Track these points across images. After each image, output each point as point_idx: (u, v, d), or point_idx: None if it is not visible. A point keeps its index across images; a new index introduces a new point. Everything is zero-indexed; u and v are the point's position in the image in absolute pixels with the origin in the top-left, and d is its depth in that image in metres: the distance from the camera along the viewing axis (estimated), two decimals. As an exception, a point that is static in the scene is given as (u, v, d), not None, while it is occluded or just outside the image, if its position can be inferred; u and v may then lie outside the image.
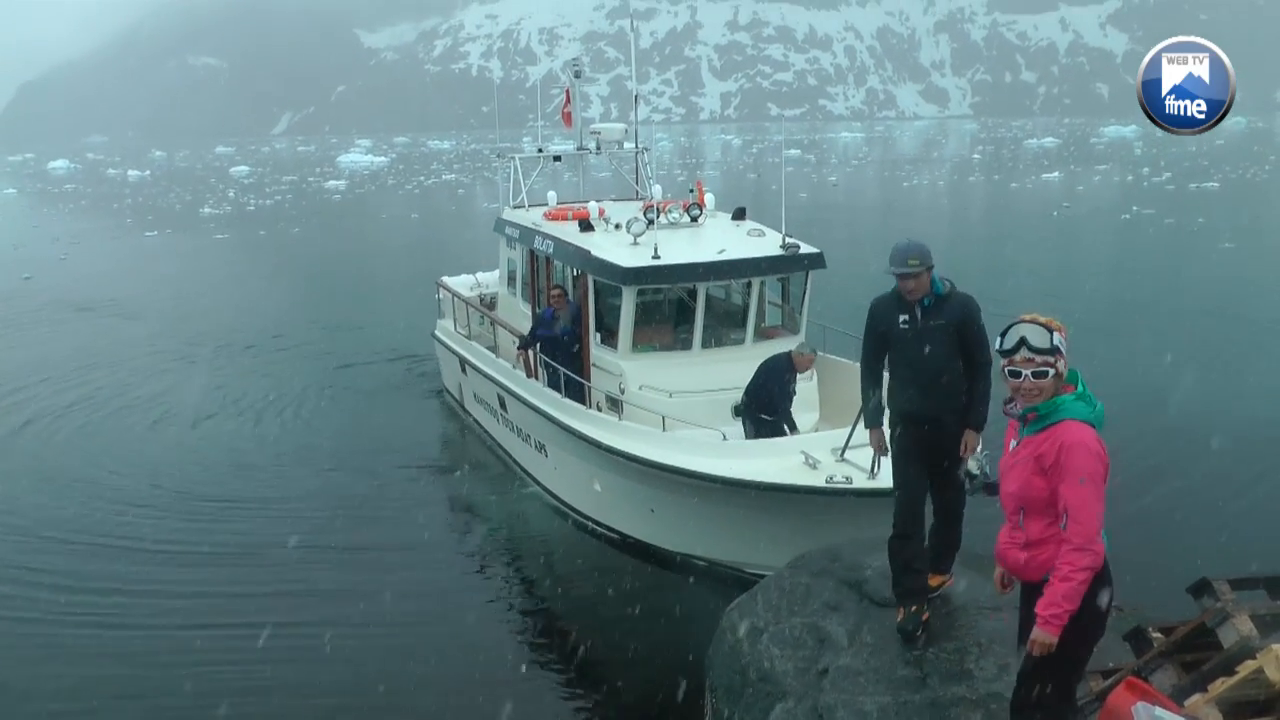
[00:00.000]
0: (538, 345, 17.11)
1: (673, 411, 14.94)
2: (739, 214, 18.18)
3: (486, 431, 20.28)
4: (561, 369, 16.05)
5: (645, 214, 16.58)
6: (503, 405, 18.57)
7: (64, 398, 24.23)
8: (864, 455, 11.93)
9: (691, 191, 18.76)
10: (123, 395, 24.46)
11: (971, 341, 8.03)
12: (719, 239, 16.57)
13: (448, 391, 23.28)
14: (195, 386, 24.72)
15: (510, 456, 18.80)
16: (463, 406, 21.92)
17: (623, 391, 15.59)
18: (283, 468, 19.53)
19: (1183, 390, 21.56)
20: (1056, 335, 5.82)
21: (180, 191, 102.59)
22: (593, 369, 16.53)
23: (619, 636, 12.64)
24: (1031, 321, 5.87)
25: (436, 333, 23.20)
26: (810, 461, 12.65)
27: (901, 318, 8.15)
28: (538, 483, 17.47)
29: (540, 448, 17.03)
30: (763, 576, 13.18)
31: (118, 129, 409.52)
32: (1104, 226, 54.28)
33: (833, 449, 12.78)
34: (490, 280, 23.13)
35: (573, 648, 12.65)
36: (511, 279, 21.00)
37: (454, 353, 21.51)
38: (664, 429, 14.49)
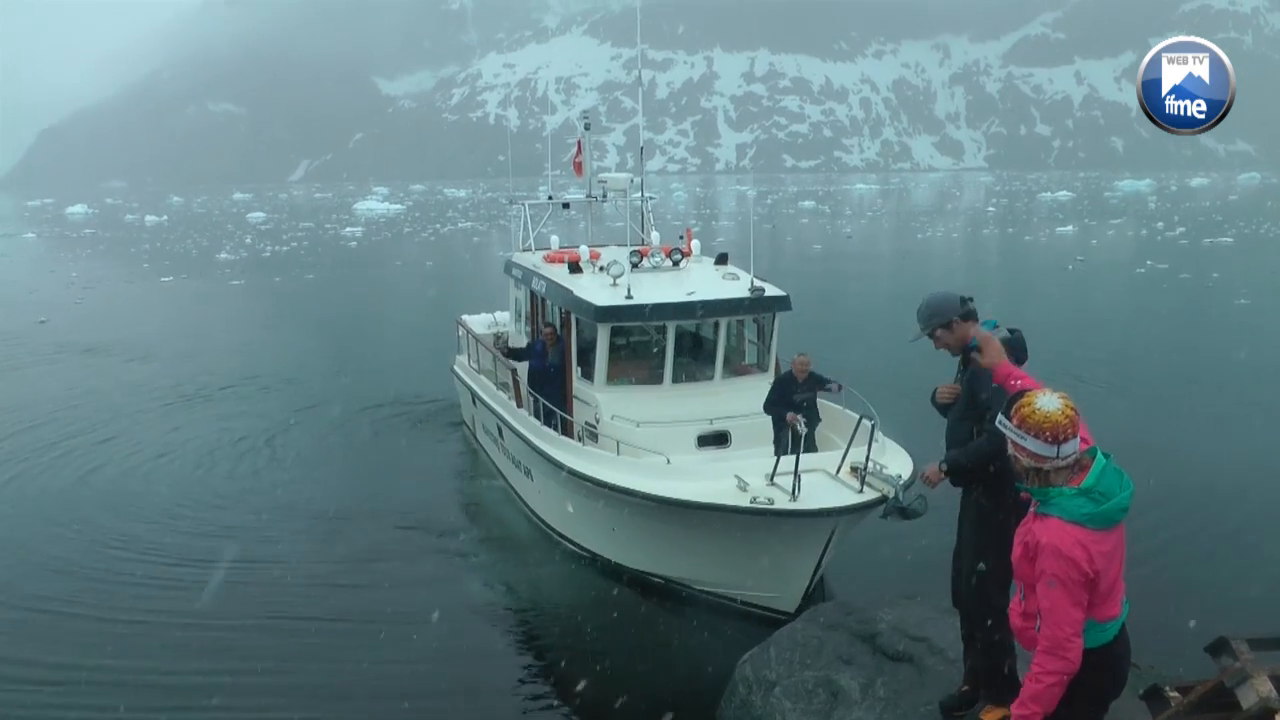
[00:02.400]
0: (527, 374, 18.33)
1: (638, 440, 15.68)
2: (721, 259, 19.13)
3: (491, 459, 21.11)
4: (543, 400, 16.99)
5: (630, 258, 17.58)
6: (500, 434, 19.44)
7: (59, 441, 24.05)
8: (790, 480, 12.53)
9: (681, 238, 19.78)
10: (132, 438, 24.32)
11: (980, 414, 7.31)
12: (693, 282, 17.48)
13: (465, 423, 24.19)
14: (208, 430, 24.70)
15: (508, 481, 19.62)
16: (475, 437, 22.88)
17: (597, 421, 16.47)
18: (294, 504, 19.53)
19: (1200, 447, 21.46)
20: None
21: (197, 237, 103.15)
22: (574, 400, 17.48)
23: (627, 687, 12.49)
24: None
25: (455, 368, 24.35)
26: (741, 484, 13.06)
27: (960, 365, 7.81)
28: (527, 505, 18.28)
29: (528, 472, 17.83)
30: (712, 594, 14.24)
31: (136, 174, 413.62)
32: (1118, 281, 54.22)
33: (765, 473, 13.18)
34: (506, 319, 23.88)
35: (579, 698, 12.52)
36: (519, 317, 22.01)
37: (467, 386, 22.56)
38: (618, 454, 15.27)
